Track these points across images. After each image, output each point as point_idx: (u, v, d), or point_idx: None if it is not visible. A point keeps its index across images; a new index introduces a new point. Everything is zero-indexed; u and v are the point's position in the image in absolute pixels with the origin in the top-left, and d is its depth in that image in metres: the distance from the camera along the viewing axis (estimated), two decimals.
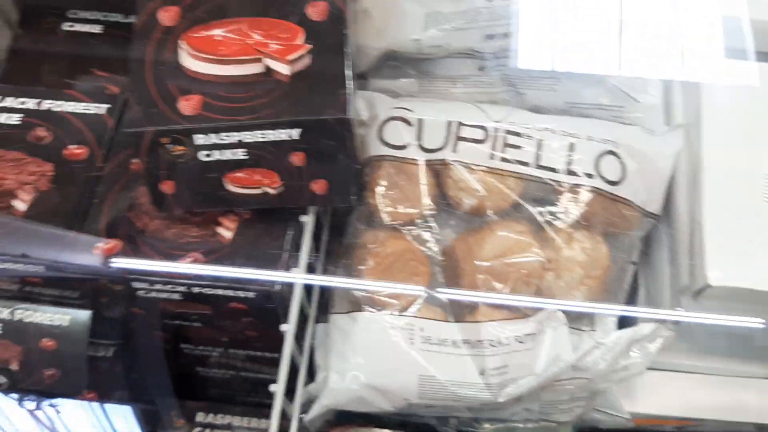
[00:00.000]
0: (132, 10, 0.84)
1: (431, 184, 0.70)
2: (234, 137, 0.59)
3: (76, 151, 0.69)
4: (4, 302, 0.71)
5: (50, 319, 0.71)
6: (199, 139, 0.59)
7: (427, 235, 0.69)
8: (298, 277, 0.61)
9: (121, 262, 0.61)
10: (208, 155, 0.60)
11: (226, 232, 0.65)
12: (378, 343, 0.65)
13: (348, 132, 0.59)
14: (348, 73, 0.60)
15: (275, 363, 0.76)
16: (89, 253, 0.64)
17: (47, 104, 0.71)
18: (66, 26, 0.87)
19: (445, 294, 0.64)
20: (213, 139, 0.59)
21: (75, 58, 0.85)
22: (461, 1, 0.70)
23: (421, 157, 0.70)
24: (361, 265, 0.67)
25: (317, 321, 0.74)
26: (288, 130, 0.59)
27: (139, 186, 0.68)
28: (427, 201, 0.69)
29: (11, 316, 0.71)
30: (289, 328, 0.61)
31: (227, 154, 0.61)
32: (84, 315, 0.71)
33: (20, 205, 0.66)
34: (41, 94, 0.72)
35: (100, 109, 0.71)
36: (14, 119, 0.71)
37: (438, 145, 0.69)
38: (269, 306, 0.65)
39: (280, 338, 0.71)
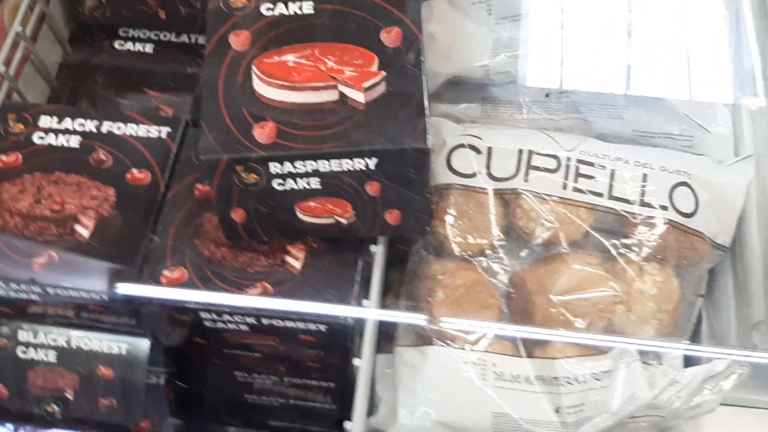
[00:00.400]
0: (182, 29, 0.86)
1: (499, 214, 0.68)
2: (309, 166, 0.58)
3: (138, 175, 0.67)
4: (60, 329, 0.70)
5: (108, 346, 0.70)
6: (275, 167, 0.58)
7: (496, 267, 0.67)
8: (374, 312, 0.60)
9: (190, 294, 0.60)
10: (281, 184, 0.59)
11: (295, 261, 0.63)
12: (450, 379, 0.63)
13: (426, 162, 0.58)
14: (426, 101, 0.59)
15: (329, 391, 0.75)
16: (155, 283, 0.62)
17: (107, 126, 0.70)
18: (117, 44, 0.86)
19: (525, 333, 0.62)
20: (288, 167, 0.58)
21: (126, 78, 0.84)
22: (532, 26, 0.69)
23: (491, 186, 0.68)
24: (429, 296, 0.66)
25: (376, 350, 0.73)
26: (365, 160, 0.58)
27: (204, 212, 0.66)
28: (496, 231, 0.67)
29: (67, 343, 0.70)
30: (363, 364, 0.59)
31: (301, 183, 0.59)
32: (143, 343, 0.69)
33: (82, 230, 0.64)
34: (101, 115, 0.70)
35: (161, 132, 0.69)
36: (73, 142, 0.69)
37: (508, 174, 0.67)
38: (340, 339, 0.63)
39: (340, 367, 0.70)
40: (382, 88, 0.60)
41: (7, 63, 0.73)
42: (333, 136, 0.58)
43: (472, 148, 0.69)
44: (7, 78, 0.72)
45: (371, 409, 0.71)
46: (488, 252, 0.67)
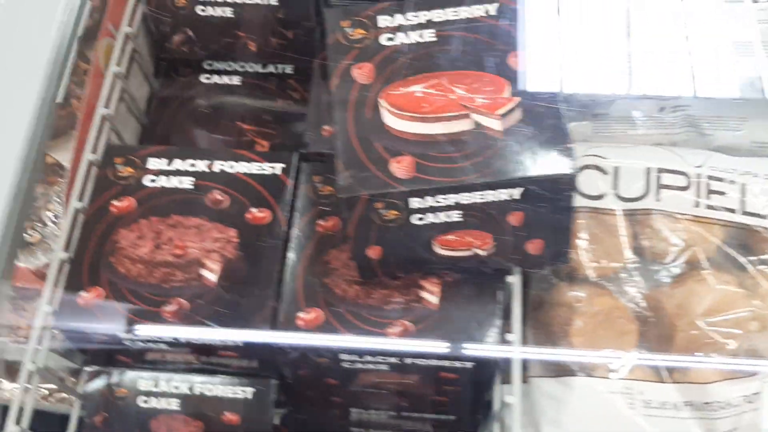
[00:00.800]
0: (271, 60, 0.84)
1: (630, 235, 0.66)
2: (451, 199, 0.56)
3: (258, 214, 0.65)
4: (182, 375, 0.69)
5: (233, 391, 0.68)
6: (415, 202, 0.56)
7: (632, 290, 0.65)
8: (531, 350, 0.58)
9: (334, 339, 0.58)
10: (420, 219, 0.57)
11: (431, 296, 0.61)
12: (598, 410, 0.61)
13: (573, 188, 0.56)
14: (566, 124, 0.57)
15: (446, 424, 0.73)
16: (291, 326, 0.61)
17: (219, 165, 0.68)
18: (203, 78, 0.84)
19: (678, 362, 0.60)
20: (429, 202, 0.56)
21: (217, 112, 0.82)
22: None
23: (619, 207, 0.66)
24: (566, 325, 0.64)
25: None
26: (509, 190, 0.56)
27: (330, 249, 0.65)
28: (628, 253, 0.65)
29: (190, 390, 0.68)
30: (515, 401, 0.57)
31: (441, 217, 0.57)
32: (270, 386, 0.67)
33: (209, 274, 0.63)
34: (211, 154, 0.69)
35: (274, 168, 0.68)
36: (186, 183, 0.68)
37: (638, 194, 0.66)
38: (482, 375, 0.61)
39: (467, 401, 0.68)
40: (517, 115, 0.58)
41: (107, 104, 0.72)
42: (474, 166, 0.56)
43: (598, 168, 0.67)
44: (108, 120, 0.71)
45: None
46: (622, 275, 0.65)
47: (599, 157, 0.67)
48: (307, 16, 0.75)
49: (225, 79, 0.83)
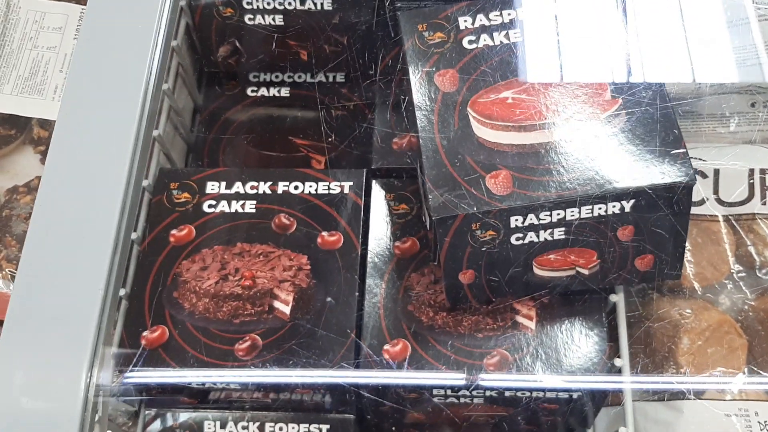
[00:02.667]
0: (322, 69, 0.79)
1: (732, 243, 0.61)
2: (555, 216, 0.51)
3: (329, 238, 0.60)
4: (251, 414, 0.64)
5: (307, 429, 0.63)
6: (516, 221, 0.51)
7: (739, 302, 0.60)
8: (640, 380, 0.53)
9: (424, 376, 0.53)
10: (520, 238, 0.52)
11: (528, 321, 0.56)
12: None
13: (690, 197, 0.51)
14: (678, 125, 0.52)
15: None
16: (377, 360, 0.56)
17: (283, 187, 0.63)
18: (250, 91, 0.79)
19: None
20: (531, 219, 0.51)
21: (268, 127, 0.77)
22: (739, 31, 0.63)
23: (720, 212, 0.61)
24: (672, 344, 0.59)
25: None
26: (620, 203, 0.51)
27: (410, 273, 0.60)
28: (733, 262, 0.61)
29: (261, 431, 0.63)
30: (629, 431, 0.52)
31: (543, 236, 0.52)
32: (347, 422, 0.62)
33: (283, 306, 0.58)
34: (273, 175, 0.63)
35: (343, 187, 0.63)
36: (249, 207, 0.62)
37: (741, 198, 0.61)
38: (584, 404, 0.56)
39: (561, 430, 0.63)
40: (623, 117, 0.53)
41: (156, 124, 0.67)
42: (578, 178, 0.51)
43: (697, 172, 0.62)
44: (159, 143, 0.66)
45: None
46: (729, 286, 0.60)
47: (697, 159, 0.62)
48: (366, 21, 0.70)
49: (273, 92, 0.78)
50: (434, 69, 0.56)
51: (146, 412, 0.64)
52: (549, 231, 0.52)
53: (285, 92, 0.79)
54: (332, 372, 0.55)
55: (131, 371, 0.57)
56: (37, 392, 0.45)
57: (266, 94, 0.79)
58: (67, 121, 0.56)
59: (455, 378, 0.54)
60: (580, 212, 0.51)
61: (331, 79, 0.78)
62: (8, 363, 0.47)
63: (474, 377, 0.54)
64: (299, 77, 0.79)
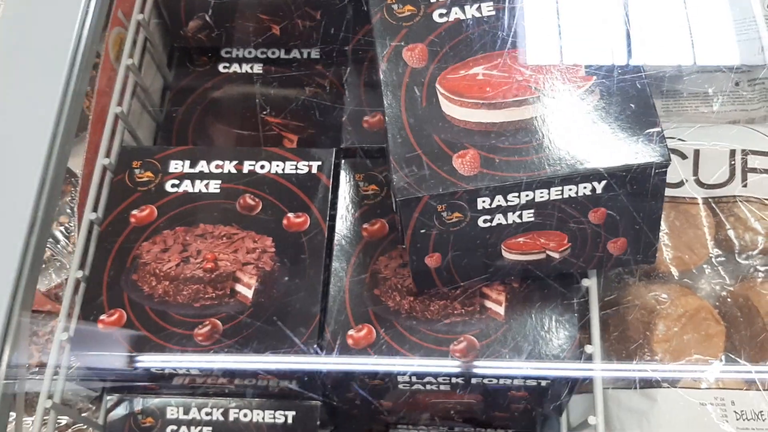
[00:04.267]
0: (296, 45, 0.76)
1: (711, 225, 0.59)
2: (524, 197, 0.49)
3: (295, 220, 0.58)
4: (214, 400, 0.62)
5: (272, 415, 0.61)
6: (483, 202, 0.49)
7: (717, 287, 0.58)
8: (610, 368, 0.51)
9: (389, 362, 0.51)
10: (488, 221, 0.50)
11: (497, 306, 0.55)
12: (687, 424, 0.55)
13: (664, 178, 0.49)
14: (653, 104, 0.50)
15: None
16: (339, 346, 0.54)
17: (248, 166, 0.61)
18: (221, 67, 0.76)
19: None
20: (499, 201, 0.49)
21: (239, 105, 0.75)
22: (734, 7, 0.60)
23: (700, 195, 0.59)
24: (646, 329, 0.57)
25: None
26: (592, 184, 0.49)
27: (378, 256, 0.58)
28: (711, 246, 0.59)
29: (224, 416, 0.62)
30: (599, 421, 0.51)
31: (511, 218, 0.50)
32: (313, 408, 0.61)
33: (245, 290, 0.56)
34: (238, 154, 0.61)
35: (311, 167, 0.61)
36: (213, 187, 0.60)
37: (722, 180, 0.59)
38: (556, 390, 0.55)
39: (530, 418, 0.61)
40: (596, 96, 0.51)
41: (120, 101, 0.65)
42: (549, 158, 0.49)
43: (676, 152, 0.60)
44: (122, 120, 0.63)
45: None
46: (707, 271, 0.58)
47: (676, 139, 0.60)
48: None
49: (245, 68, 0.76)
50: (403, 43, 0.53)
51: (108, 397, 0.62)
52: (518, 213, 0.50)
53: (258, 69, 0.76)
54: (294, 358, 0.53)
55: (88, 355, 0.56)
56: None
57: (238, 70, 0.76)
58: None
59: (421, 364, 0.52)
60: (549, 194, 0.49)
61: (305, 56, 0.75)
62: None
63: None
64: (273, 53, 0.76)
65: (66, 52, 0.52)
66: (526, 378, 0.51)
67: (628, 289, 0.59)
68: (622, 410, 0.57)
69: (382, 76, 0.52)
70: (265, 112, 0.74)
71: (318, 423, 0.60)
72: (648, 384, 0.56)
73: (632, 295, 0.59)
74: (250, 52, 0.76)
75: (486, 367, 0.50)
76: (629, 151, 0.48)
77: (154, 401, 0.61)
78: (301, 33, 0.72)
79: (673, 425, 0.55)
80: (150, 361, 0.54)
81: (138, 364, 0.55)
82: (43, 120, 0.49)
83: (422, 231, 0.50)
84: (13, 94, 0.52)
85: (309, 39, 0.72)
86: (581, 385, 0.56)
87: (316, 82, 0.74)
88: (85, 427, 0.68)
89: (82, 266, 0.58)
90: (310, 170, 0.61)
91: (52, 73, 0.52)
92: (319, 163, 0.61)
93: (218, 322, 0.55)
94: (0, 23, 0.54)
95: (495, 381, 0.52)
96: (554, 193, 0.49)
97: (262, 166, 0.61)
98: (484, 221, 0.50)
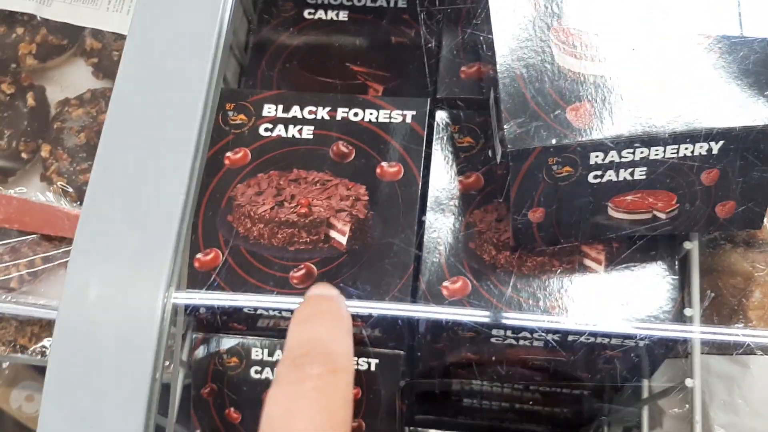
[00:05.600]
0: None
1: None
2: (639, 154, 0.48)
3: (389, 169, 0.58)
4: None
5: (355, 362, 0.62)
6: (596, 157, 0.48)
7: None
8: (710, 331, 0.51)
9: (486, 314, 0.51)
10: (598, 176, 0.50)
11: (596, 265, 0.54)
12: None
13: None
14: None
15: (577, 400, 0.67)
16: (435, 297, 0.54)
17: (342, 113, 0.60)
18: (306, 13, 0.76)
19: None
20: (612, 156, 0.48)
21: (324, 52, 0.74)
22: None
23: None
24: (741, 296, 0.57)
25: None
26: (708, 143, 0.48)
27: (474, 210, 0.57)
28: None
29: None
30: (696, 383, 0.50)
31: (623, 175, 0.49)
32: (396, 357, 0.61)
33: (339, 236, 0.56)
34: (332, 101, 0.61)
35: (405, 116, 0.60)
36: (306, 133, 0.60)
37: None
38: (650, 352, 0.54)
39: (618, 380, 0.61)
40: (716, 53, 0.50)
41: None
42: (666, 115, 0.48)
43: None
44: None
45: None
46: None
47: None
48: None
49: (331, 15, 0.75)
50: None
51: (194, 335, 0.64)
52: (630, 170, 0.49)
53: (343, 16, 0.75)
54: (388, 305, 0.53)
55: (182, 292, 0.56)
56: (112, 309, 0.44)
57: (323, 17, 0.75)
58: (139, 31, 0.53)
59: (517, 318, 0.52)
60: (665, 151, 0.48)
61: (392, 4, 0.75)
62: (81, 278, 0.46)
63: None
64: (358, 1, 0.76)
65: None
66: (625, 337, 0.51)
67: (725, 255, 0.58)
68: (711, 376, 0.57)
69: (493, 24, 0.51)
70: (350, 61, 0.73)
71: (400, 373, 0.61)
72: (741, 350, 0.56)
73: (727, 260, 0.58)
74: None
75: (587, 325, 0.50)
76: (749, 111, 0.47)
77: (239, 341, 0.62)
78: None
79: (765, 392, 0.55)
80: (246, 300, 0.54)
81: (232, 303, 0.55)
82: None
83: (529, 184, 0.49)
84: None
85: None
86: (674, 349, 0.56)
87: (401, 32, 0.73)
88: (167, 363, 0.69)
89: None
90: (404, 120, 0.60)
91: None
92: (413, 112, 0.60)
93: (313, 267, 0.55)
94: None
95: (593, 339, 0.52)
96: (670, 151, 0.48)
97: (356, 114, 0.61)
98: (595, 177, 0.49)
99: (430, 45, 0.69)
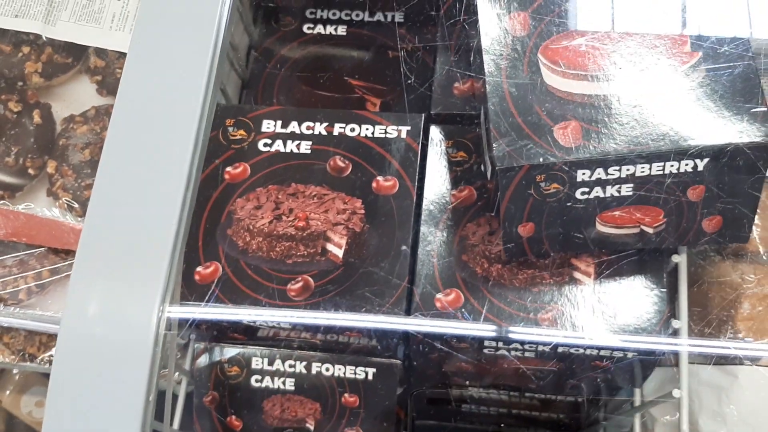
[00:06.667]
0: (378, 7, 0.77)
1: None
2: (625, 171, 0.50)
3: (385, 183, 0.59)
4: (298, 353, 0.64)
5: (353, 371, 0.64)
6: (583, 175, 0.50)
7: None
8: (698, 344, 0.52)
9: (478, 326, 0.52)
10: (585, 193, 0.51)
11: (586, 278, 0.55)
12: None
13: (767, 159, 0.49)
14: (760, 81, 0.50)
15: (570, 407, 0.68)
16: (427, 308, 0.55)
17: (339, 128, 0.62)
18: (306, 28, 0.77)
19: None
20: (599, 174, 0.50)
21: (323, 66, 0.76)
22: None
23: None
24: (730, 307, 0.58)
25: None
26: (693, 161, 0.49)
27: (466, 223, 0.59)
28: None
29: (307, 369, 0.64)
30: (683, 395, 0.52)
31: (610, 191, 0.51)
32: (393, 366, 0.63)
33: (335, 249, 0.58)
34: (329, 116, 0.62)
35: (400, 131, 0.62)
36: (304, 147, 0.62)
37: None
38: (642, 363, 0.55)
39: (607, 388, 0.62)
40: (702, 73, 0.51)
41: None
42: (651, 133, 0.49)
43: None
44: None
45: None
46: None
47: None
48: None
49: (329, 29, 0.77)
50: (506, 11, 0.53)
51: (196, 345, 0.66)
52: (616, 186, 0.50)
53: (341, 30, 0.77)
54: (383, 317, 0.55)
55: (183, 305, 0.58)
56: (110, 323, 0.45)
57: (322, 31, 0.77)
58: (138, 52, 0.54)
59: (508, 331, 0.53)
60: (650, 169, 0.49)
61: (389, 19, 0.76)
62: (82, 294, 0.48)
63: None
64: (356, 15, 0.77)
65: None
66: (613, 349, 0.52)
67: (714, 266, 0.59)
68: (701, 385, 0.58)
69: (483, 44, 0.52)
70: (348, 75, 0.74)
71: (398, 381, 0.63)
72: (729, 361, 0.57)
73: (718, 272, 0.59)
74: (334, 14, 0.77)
75: (575, 338, 0.52)
76: (734, 129, 0.48)
77: (240, 351, 0.64)
78: None
79: (754, 402, 0.56)
80: (244, 313, 0.56)
81: (232, 316, 0.57)
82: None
83: (518, 200, 0.51)
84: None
85: (394, 1, 0.73)
86: (662, 359, 0.57)
87: (399, 46, 0.75)
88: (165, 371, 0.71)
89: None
90: (399, 135, 0.61)
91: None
92: (408, 128, 0.62)
93: (310, 279, 0.57)
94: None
95: (582, 351, 0.54)
96: (655, 168, 0.49)
97: (353, 129, 0.62)
98: (582, 193, 0.51)
99: (425, 60, 0.71)
